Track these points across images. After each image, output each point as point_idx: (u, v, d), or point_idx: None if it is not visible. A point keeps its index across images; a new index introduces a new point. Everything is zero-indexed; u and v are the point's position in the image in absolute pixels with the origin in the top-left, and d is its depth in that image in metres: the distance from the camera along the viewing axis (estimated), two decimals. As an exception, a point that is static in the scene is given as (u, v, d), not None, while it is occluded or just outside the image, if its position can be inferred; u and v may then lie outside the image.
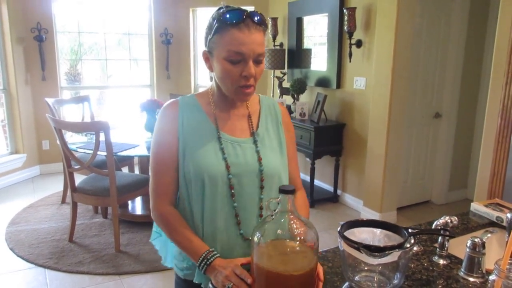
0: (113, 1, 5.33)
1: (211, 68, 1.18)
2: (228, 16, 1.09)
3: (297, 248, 1.01)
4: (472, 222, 1.54)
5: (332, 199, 4.35)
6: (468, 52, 4.12)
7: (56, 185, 4.64)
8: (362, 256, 1.02)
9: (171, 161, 1.19)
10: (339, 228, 1.09)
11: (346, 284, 1.10)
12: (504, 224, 1.47)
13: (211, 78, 1.23)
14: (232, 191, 1.17)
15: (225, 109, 1.23)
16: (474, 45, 4.14)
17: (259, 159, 1.20)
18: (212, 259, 1.11)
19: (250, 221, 1.19)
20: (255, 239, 1.01)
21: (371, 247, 0.99)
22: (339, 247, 1.08)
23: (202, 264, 1.11)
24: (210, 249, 1.13)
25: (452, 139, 4.28)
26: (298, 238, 1.01)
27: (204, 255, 1.12)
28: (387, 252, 0.98)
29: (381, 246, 1.00)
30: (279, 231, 1.01)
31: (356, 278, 1.08)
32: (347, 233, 1.08)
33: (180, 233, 1.17)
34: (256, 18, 1.11)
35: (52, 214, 3.86)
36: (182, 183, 1.20)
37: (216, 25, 1.11)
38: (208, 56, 1.17)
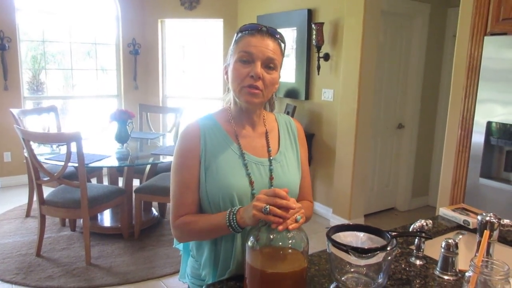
0: (80, 11, 5.25)
1: (228, 79, 1.25)
2: (245, 27, 1.22)
3: (289, 250, 1.08)
4: (442, 225, 1.65)
5: (302, 208, 4.43)
6: (428, 67, 4.37)
7: (19, 198, 4.48)
8: (349, 258, 1.09)
9: (192, 183, 1.22)
10: (327, 232, 1.16)
11: (334, 284, 1.17)
12: (471, 226, 1.59)
13: (228, 89, 1.28)
14: None
15: (244, 126, 1.28)
16: (433, 61, 4.40)
17: (271, 178, 1.25)
18: (236, 208, 1.14)
19: None
20: (249, 243, 1.07)
21: (358, 249, 1.06)
22: (327, 249, 1.14)
23: (231, 218, 1.12)
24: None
25: (414, 149, 4.50)
26: (289, 242, 1.07)
27: (228, 211, 1.14)
28: (375, 253, 1.06)
29: (368, 248, 1.08)
30: (272, 236, 1.07)
31: (343, 278, 1.15)
32: (333, 237, 1.15)
33: (201, 219, 1.20)
34: (271, 30, 1.21)
35: (16, 228, 3.72)
36: (206, 203, 1.23)
37: (236, 37, 1.22)
38: (227, 69, 1.24)
